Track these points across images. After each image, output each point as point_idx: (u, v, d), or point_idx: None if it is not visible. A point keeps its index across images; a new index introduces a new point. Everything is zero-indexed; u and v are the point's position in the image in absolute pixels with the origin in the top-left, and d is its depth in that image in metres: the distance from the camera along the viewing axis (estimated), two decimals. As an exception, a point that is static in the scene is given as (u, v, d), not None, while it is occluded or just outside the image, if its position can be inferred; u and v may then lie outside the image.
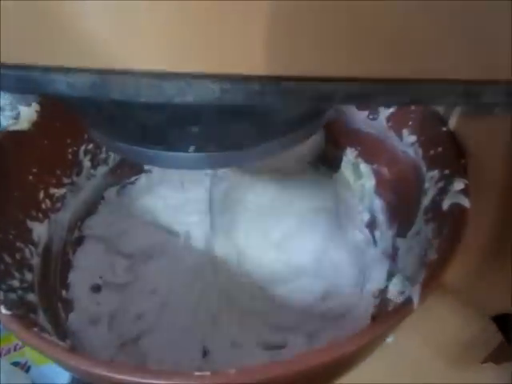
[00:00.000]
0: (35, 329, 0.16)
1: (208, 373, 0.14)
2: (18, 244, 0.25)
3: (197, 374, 0.14)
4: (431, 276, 0.17)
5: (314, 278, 0.30)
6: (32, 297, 0.23)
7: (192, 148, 0.15)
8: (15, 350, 0.37)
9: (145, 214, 0.33)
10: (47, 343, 0.15)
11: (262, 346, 0.26)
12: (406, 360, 0.29)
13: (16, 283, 0.22)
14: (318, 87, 0.13)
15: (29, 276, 0.24)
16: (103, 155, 0.34)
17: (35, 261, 0.26)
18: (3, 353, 0.37)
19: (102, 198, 0.34)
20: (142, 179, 0.35)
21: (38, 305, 0.23)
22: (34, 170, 0.28)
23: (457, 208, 0.20)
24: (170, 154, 0.16)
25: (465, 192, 0.20)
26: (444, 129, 0.23)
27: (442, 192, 0.22)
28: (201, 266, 0.30)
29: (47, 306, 0.24)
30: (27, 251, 0.25)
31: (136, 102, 0.13)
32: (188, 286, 0.29)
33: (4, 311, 0.16)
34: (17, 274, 0.23)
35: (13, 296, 0.20)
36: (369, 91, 0.13)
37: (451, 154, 0.22)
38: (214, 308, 0.28)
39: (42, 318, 0.22)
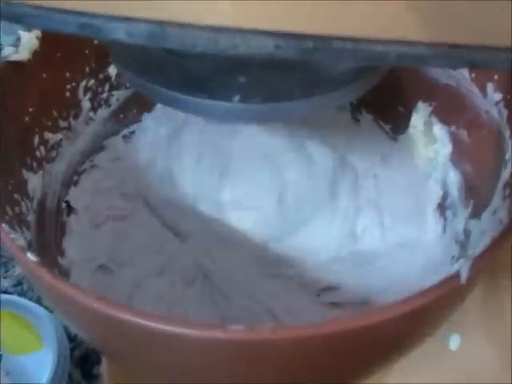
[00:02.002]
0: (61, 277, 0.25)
1: (241, 327, 0.23)
2: (16, 196, 0.34)
3: (233, 327, 0.23)
4: (483, 251, 0.25)
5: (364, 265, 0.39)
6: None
7: (237, 98, 0.24)
8: (-19, 337, 0.47)
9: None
10: (76, 289, 0.24)
11: None
12: (473, 369, 0.38)
13: (21, 238, 0.31)
14: (370, 48, 0.21)
15: (27, 234, 0.34)
16: (105, 94, 0.43)
17: (31, 217, 0.35)
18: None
19: (102, 148, 0.43)
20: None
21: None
22: (31, 110, 0.37)
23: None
24: (214, 102, 0.24)
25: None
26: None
27: (524, 164, 0.30)
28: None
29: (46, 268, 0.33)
30: (24, 205, 0.35)
31: (189, 52, 0.21)
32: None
33: (32, 257, 0.26)
34: (18, 229, 0.32)
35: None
36: (421, 53, 0.21)
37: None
38: None
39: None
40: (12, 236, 0.27)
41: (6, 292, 0.52)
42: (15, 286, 0.52)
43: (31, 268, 0.26)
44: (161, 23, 0.21)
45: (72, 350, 0.47)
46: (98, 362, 0.47)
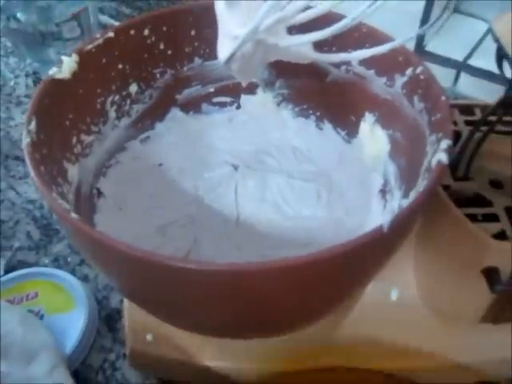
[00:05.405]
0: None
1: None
2: (59, 179, 0.40)
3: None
4: (401, 209, 0.31)
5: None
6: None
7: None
8: (27, 299, 0.53)
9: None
10: (112, 238, 0.30)
11: None
12: (408, 318, 0.43)
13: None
14: None
15: (68, 208, 0.40)
16: (127, 107, 0.51)
17: (70, 197, 0.41)
18: (16, 302, 0.52)
19: (124, 149, 0.49)
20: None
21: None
22: (70, 116, 0.44)
23: (438, 164, 0.33)
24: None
25: (447, 151, 0.34)
26: (443, 98, 0.37)
27: (435, 153, 0.35)
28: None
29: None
30: (65, 188, 0.42)
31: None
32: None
33: (75, 216, 0.31)
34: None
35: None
36: None
37: (446, 120, 0.36)
38: None
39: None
40: (60, 202, 0.32)
41: (46, 267, 0.57)
42: (53, 261, 0.61)
43: (74, 224, 0.31)
44: None
45: (99, 310, 0.55)
46: (120, 318, 0.53)
